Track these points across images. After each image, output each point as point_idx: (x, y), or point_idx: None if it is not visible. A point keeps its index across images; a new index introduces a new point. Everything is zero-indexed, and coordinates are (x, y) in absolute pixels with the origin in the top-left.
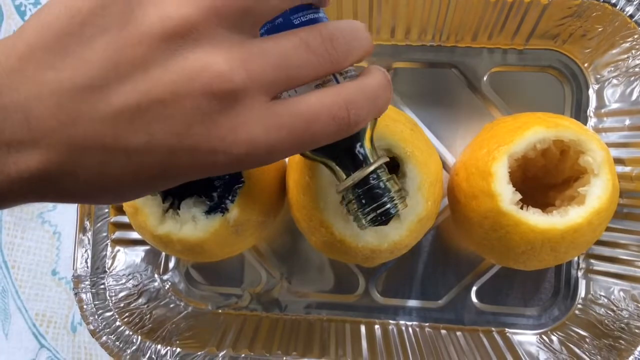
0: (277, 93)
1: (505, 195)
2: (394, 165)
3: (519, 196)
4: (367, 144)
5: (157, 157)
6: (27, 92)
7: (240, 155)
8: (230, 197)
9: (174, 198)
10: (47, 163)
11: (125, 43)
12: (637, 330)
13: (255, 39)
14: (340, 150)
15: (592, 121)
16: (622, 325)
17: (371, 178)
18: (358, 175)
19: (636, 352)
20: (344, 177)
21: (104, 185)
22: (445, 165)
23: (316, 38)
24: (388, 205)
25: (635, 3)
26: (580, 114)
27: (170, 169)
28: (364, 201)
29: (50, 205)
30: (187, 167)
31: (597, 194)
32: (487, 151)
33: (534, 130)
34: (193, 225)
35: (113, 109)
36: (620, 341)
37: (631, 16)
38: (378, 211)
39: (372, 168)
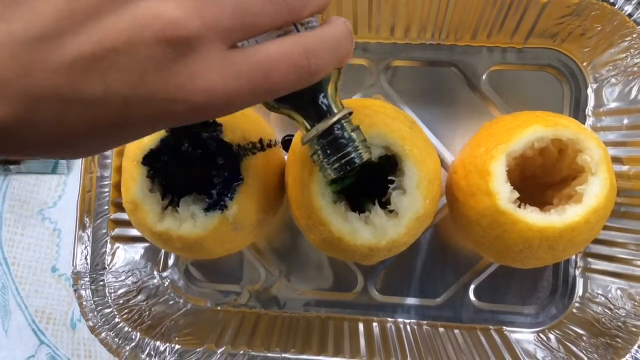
0: (235, 42)
1: (503, 193)
2: (393, 163)
3: (516, 194)
4: (330, 94)
5: (113, 107)
6: None
7: (199, 104)
8: (229, 195)
9: (173, 195)
10: (3, 115)
11: None
12: (633, 329)
13: None
14: (304, 101)
15: (590, 120)
16: (619, 323)
17: (335, 128)
18: (322, 125)
19: (633, 351)
20: (309, 128)
21: (62, 137)
22: (444, 164)
23: None
24: (352, 155)
25: (634, 2)
26: (578, 113)
27: (128, 118)
28: (328, 151)
29: (50, 202)
30: (145, 117)
31: (594, 192)
32: (486, 150)
33: (532, 129)
34: (192, 222)
35: (67, 59)
36: (617, 339)
37: (630, 15)
38: (342, 161)
39: (335, 119)
